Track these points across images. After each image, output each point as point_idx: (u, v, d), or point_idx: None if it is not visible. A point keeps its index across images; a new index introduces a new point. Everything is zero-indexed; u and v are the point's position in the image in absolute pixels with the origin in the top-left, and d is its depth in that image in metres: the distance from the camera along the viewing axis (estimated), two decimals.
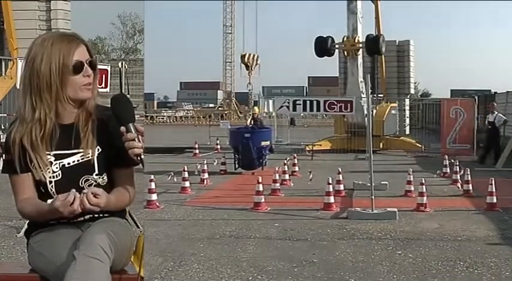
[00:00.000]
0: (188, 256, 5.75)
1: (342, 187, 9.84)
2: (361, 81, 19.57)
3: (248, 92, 16.53)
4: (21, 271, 2.65)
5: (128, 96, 2.70)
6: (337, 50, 20.74)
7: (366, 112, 17.88)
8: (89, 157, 2.51)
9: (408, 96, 23.37)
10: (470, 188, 9.79)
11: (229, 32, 65.19)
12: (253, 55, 18.25)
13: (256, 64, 18.11)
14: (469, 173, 9.96)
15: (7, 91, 13.59)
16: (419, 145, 19.42)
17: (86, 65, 2.47)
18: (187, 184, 10.08)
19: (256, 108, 17.25)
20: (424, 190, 8.43)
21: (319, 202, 8.61)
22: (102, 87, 11.84)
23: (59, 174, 2.49)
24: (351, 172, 12.37)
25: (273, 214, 8.09)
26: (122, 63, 15.72)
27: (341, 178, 9.94)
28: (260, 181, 8.56)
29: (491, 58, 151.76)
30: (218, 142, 19.91)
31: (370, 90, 8.83)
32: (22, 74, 2.50)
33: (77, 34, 2.55)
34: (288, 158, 13.19)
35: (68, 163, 2.51)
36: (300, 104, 19.64)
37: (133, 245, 2.60)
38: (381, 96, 22.42)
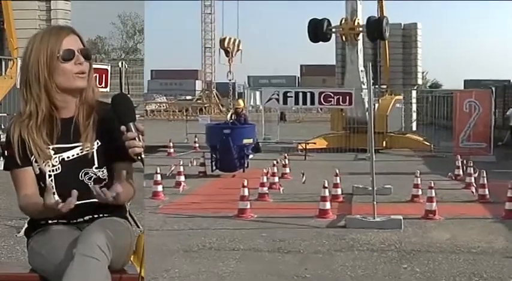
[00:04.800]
0: (161, 272, 5.72)
1: (339, 191, 9.87)
2: (361, 71, 19.64)
3: (229, 82, 16.46)
4: (21, 270, 3.02)
5: (127, 95, 3.09)
6: (333, 35, 20.80)
7: (366, 106, 17.94)
8: (88, 150, 2.89)
9: (415, 88, 23.51)
10: (487, 192, 9.86)
11: (209, 12, 64.76)
12: (234, 39, 18.21)
13: (238, 50, 18.07)
14: (485, 175, 10.02)
15: (7, 91, 15.14)
16: (428, 143, 19.55)
17: (77, 53, 2.85)
18: (159, 188, 10.04)
19: (240, 101, 17.22)
20: (434, 195, 8.48)
21: (314, 208, 8.63)
22: (102, 87, 13.58)
23: (58, 168, 2.88)
24: (350, 174, 12.41)
25: (260, 223, 8.10)
26: (122, 63, 17.45)
27: (338, 181, 9.97)
28: (245, 184, 8.56)
29: (510, 44, 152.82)
30: (196, 139, 19.83)
31: (371, 81, 8.85)
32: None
33: (69, 26, 2.95)
34: (278, 159, 13.20)
35: (68, 157, 2.89)
36: (292, 97, 19.67)
37: (133, 245, 2.96)
38: (384, 88, 22.52)
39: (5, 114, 15.17)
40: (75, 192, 2.65)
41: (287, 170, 12.93)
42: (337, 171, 10.17)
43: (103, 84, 14.18)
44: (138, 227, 3.14)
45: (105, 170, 2.92)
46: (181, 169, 11.49)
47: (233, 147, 12.60)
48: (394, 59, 22.68)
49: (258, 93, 21.80)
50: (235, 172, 13.03)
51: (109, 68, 15.93)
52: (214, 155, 13.04)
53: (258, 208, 8.90)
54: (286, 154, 14.14)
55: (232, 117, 14.87)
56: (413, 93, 23.09)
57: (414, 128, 22.64)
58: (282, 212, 8.88)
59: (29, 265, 2.96)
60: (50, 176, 2.88)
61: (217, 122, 16.43)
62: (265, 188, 10.00)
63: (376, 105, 19.70)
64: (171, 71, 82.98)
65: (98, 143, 2.91)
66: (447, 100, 22.08)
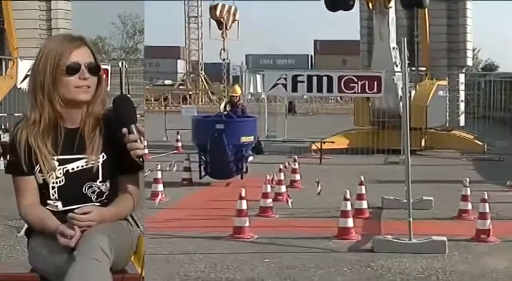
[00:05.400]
0: None
1: (364, 204, 9.89)
2: (393, 48, 19.63)
3: (222, 62, 16.33)
4: (22, 270, 3.81)
5: (129, 96, 3.87)
6: (357, 1, 20.78)
7: (400, 94, 17.90)
8: (93, 163, 3.59)
9: (464, 70, 23.48)
10: None
11: None
12: (229, 7, 18.14)
13: (234, 21, 18.03)
14: None
15: (7, 91, 18.50)
16: (480, 143, 19.56)
17: (83, 67, 3.52)
18: None
19: (237, 87, 17.21)
20: (487, 210, 8.48)
21: (332, 226, 8.64)
22: None
23: (62, 180, 3.59)
24: (379, 182, 12.48)
25: (262, 245, 8.12)
26: (122, 63, 22.03)
27: (364, 191, 9.98)
28: (243, 195, 8.55)
29: None
30: (179, 137, 19.86)
31: (407, 61, 8.83)
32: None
33: (83, 36, 3.63)
34: (286, 162, 13.19)
35: (72, 168, 3.59)
36: (303, 82, 19.67)
37: (134, 245, 3.72)
38: (422, 70, 22.51)
39: (5, 115, 18.25)
40: (78, 230, 3.39)
41: (297, 177, 12.94)
42: (362, 178, 10.16)
43: None
44: (139, 227, 3.96)
45: (108, 183, 3.64)
46: (159, 175, 11.47)
47: (228, 147, 12.60)
48: (436, 33, 22.62)
49: (259, 77, 21.78)
50: (230, 179, 13.05)
51: (109, 68, 19.98)
52: (202, 158, 13.04)
53: (259, 226, 8.90)
54: (296, 156, 14.13)
55: (227, 109, 14.84)
56: (461, 77, 23.05)
57: (462, 123, 22.62)
58: (290, 231, 8.88)
59: (29, 265, 3.70)
60: (53, 187, 3.59)
61: (206, 115, 16.40)
62: (269, 201, 10.00)
63: (413, 93, 19.70)
64: (145, 48, 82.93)
65: (103, 156, 3.62)
66: (505, 86, 22.10)
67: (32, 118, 3.56)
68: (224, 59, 16.54)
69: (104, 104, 3.66)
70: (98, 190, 3.62)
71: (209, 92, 57.95)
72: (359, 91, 19.28)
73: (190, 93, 56.93)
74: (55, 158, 3.58)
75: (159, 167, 11.75)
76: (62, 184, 3.59)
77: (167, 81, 68.21)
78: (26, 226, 3.83)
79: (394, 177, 12.84)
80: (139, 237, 3.81)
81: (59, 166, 3.58)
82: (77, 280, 3.20)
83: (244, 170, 13.21)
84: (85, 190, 3.60)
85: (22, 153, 3.56)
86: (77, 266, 3.23)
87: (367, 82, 18.99)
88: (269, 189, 10.15)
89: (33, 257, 3.64)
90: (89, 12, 62.98)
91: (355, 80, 19.18)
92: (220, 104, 16.98)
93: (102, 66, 3.72)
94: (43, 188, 3.61)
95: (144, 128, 3.33)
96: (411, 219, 7.82)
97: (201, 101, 55.94)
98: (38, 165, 3.56)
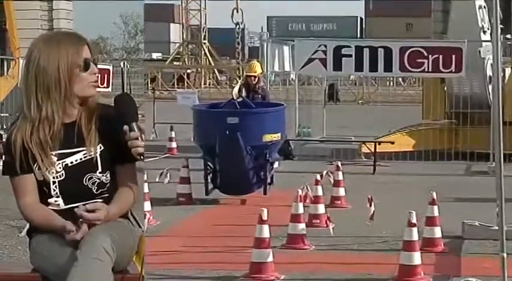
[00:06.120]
0: None
1: (438, 231, 9.92)
2: (480, 7, 19.59)
3: (236, 27, 16.21)
4: (23, 270, 4.99)
5: (131, 95, 5.11)
6: None
7: (490, 73, 17.89)
8: (91, 154, 4.73)
9: None
10: None
11: None
12: None
13: None
14: None
15: (9, 91, 24.41)
16: None
17: (92, 63, 4.74)
18: None
19: (256, 64, 17.21)
20: None
21: (390, 263, 8.72)
22: (104, 87, 23.55)
23: (62, 174, 4.72)
24: (457, 201, 12.52)
25: None
26: (123, 63, 29.31)
27: (436, 214, 9.98)
28: (265, 218, 8.62)
29: None
30: (173, 134, 19.97)
31: (499, 26, 8.84)
32: (24, 73, 4.78)
33: (79, 33, 4.88)
34: (324, 170, 13.23)
35: (71, 162, 4.74)
36: (350, 56, 19.59)
37: (135, 245, 4.84)
38: None
39: (7, 115, 23.27)
40: (85, 226, 4.48)
41: (341, 192, 13.00)
42: (435, 195, 10.17)
43: (105, 84, 24.33)
44: (140, 227, 5.07)
45: (108, 174, 4.78)
46: (146, 188, 11.50)
47: (245, 148, 12.67)
48: None
49: (286, 49, 21.80)
50: (247, 195, 13.16)
51: (111, 68, 26.71)
52: (209, 165, 13.14)
53: (287, 262, 8.98)
54: (339, 163, 14.14)
55: (242, 94, 14.85)
56: None
57: None
58: (330, 269, 8.97)
59: (30, 265, 4.86)
60: (54, 183, 4.71)
61: (212, 103, 16.45)
62: (301, 226, 10.06)
63: (508, 72, 19.64)
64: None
65: (100, 147, 4.75)
66: None
67: (31, 115, 4.66)
68: (238, 24, 16.47)
69: (98, 96, 4.88)
70: (98, 181, 4.74)
71: (216, 70, 58.00)
72: (430, 69, 19.16)
73: (188, 71, 57.03)
74: (53, 153, 4.69)
75: (145, 177, 11.71)
76: (62, 178, 4.71)
77: (156, 55, 68.18)
78: (27, 226, 5.06)
79: (480, 193, 12.85)
80: (140, 237, 4.96)
81: (57, 160, 4.70)
82: (78, 280, 4.27)
83: (269, 181, 13.25)
84: (85, 182, 4.71)
85: (19, 151, 4.65)
86: (79, 266, 4.29)
87: (441, 56, 18.87)
88: (301, 209, 10.16)
89: (35, 257, 4.78)
90: (91, 12, 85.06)
91: (425, 53, 19.07)
92: (233, 87, 16.97)
93: (104, 67, 4.57)
94: (43, 185, 4.72)
95: (145, 127, 4.13)
96: (505, 254, 7.79)
97: (205, 84, 56.07)
98: (36, 162, 4.66)
